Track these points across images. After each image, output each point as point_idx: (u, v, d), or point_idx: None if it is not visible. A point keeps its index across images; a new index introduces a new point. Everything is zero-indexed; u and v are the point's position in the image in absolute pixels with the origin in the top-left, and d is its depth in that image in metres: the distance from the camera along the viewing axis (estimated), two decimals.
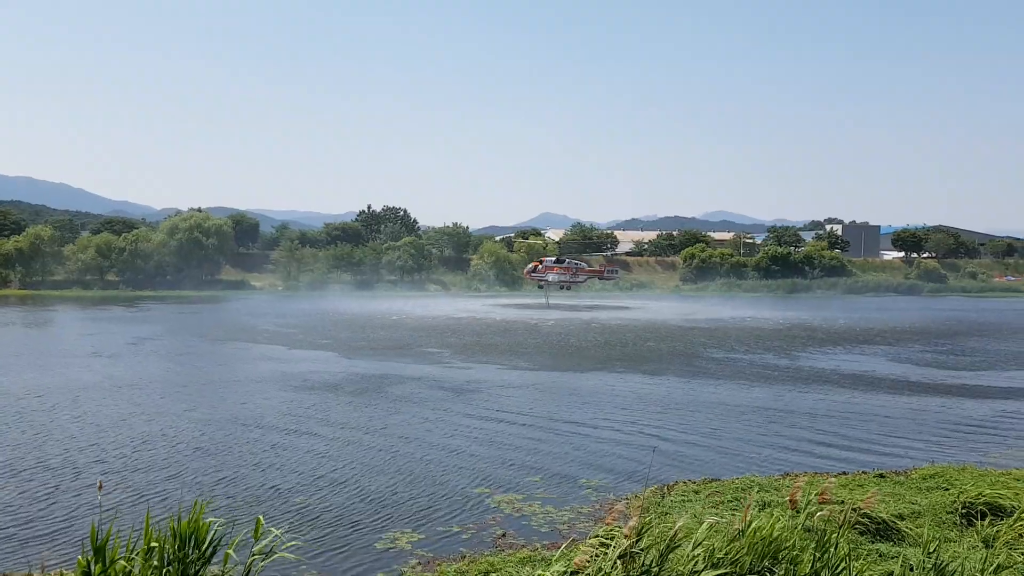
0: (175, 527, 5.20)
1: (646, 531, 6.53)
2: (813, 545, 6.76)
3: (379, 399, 24.86)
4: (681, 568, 6.20)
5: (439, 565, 10.74)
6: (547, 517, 13.29)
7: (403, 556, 11.50)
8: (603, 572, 6.18)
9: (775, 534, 6.53)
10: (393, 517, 13.34)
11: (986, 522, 11.79)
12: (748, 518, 6.92)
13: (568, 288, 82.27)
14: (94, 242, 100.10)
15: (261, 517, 5.79)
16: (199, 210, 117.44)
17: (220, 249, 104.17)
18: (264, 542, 5.47)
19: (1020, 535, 11.05)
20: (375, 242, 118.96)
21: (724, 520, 10.48)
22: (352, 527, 12.81)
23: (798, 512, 10.72)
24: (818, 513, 7.46)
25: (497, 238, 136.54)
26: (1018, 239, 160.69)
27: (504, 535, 12.35)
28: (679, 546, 6.48)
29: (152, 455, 17.31)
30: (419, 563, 11.12)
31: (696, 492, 14.00)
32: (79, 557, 5.42)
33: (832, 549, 7.01)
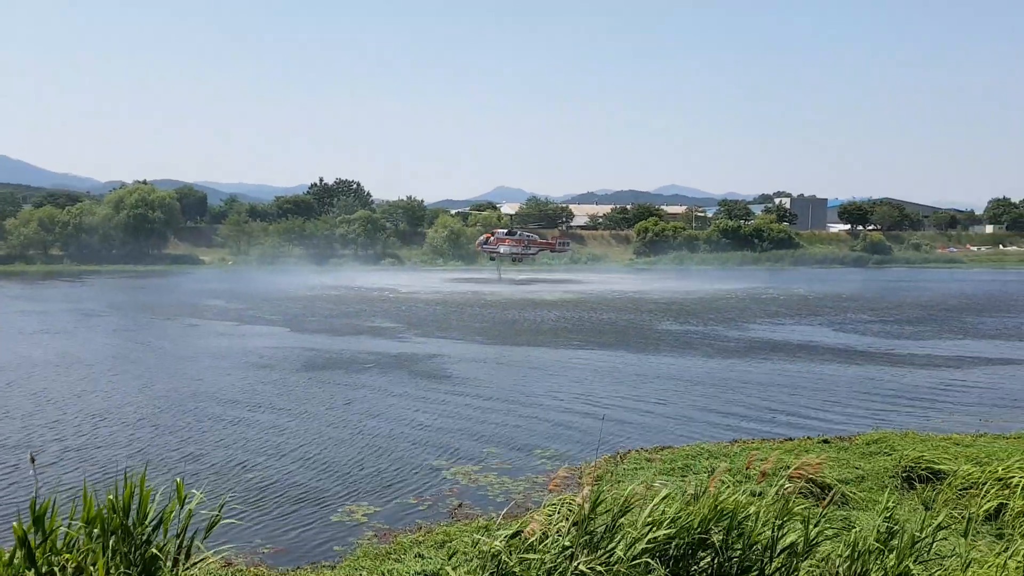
0: (113, 498, 5.08)
1: (600, 500, 6.65)
2: (774, 512, 6.91)
3: (333, 375, 24.75)
4: (633, 533, 6.32)
5: (395, 536, 10.79)
6: (503, 487, 13.42)
7: (359, 529, 11.53)
8: (557, 537, 6.30)
9: (728, 499, 6.66)
10: (349, 491, 13.34)
11: (926, 485, 12.23)
12: (713, 488, 7.06)
13: (520, 260, 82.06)
14: (36, 215, 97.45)
15: (180, 480, 5.58)
16: (144, 182, 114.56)
17: (167, 222, 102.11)
18: (189, 506, 5.32)
19: (958, 497, 11.49)
20: (328, 216, 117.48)
21: (677, 486, 10.66)
22: (308, 501, 12.79)
23: (745, 478, 10.98)
24: (780, 482, 7.62)
25: (452, 212, 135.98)
26: (960, 211, 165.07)
27: (460, 506, 12.45)
28: (631, 509, 6.61)
29: (112, 433, 17.06)
30: (375, 535, 11.15)
31: (648, 460, 14.24)
32: (14, 524, 5.25)
33: (791, 517, 7.19)
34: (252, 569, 9.44)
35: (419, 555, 9.57)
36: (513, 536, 6.47)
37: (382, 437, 16.93)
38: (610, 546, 6.12)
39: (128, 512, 4.96)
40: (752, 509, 6.91)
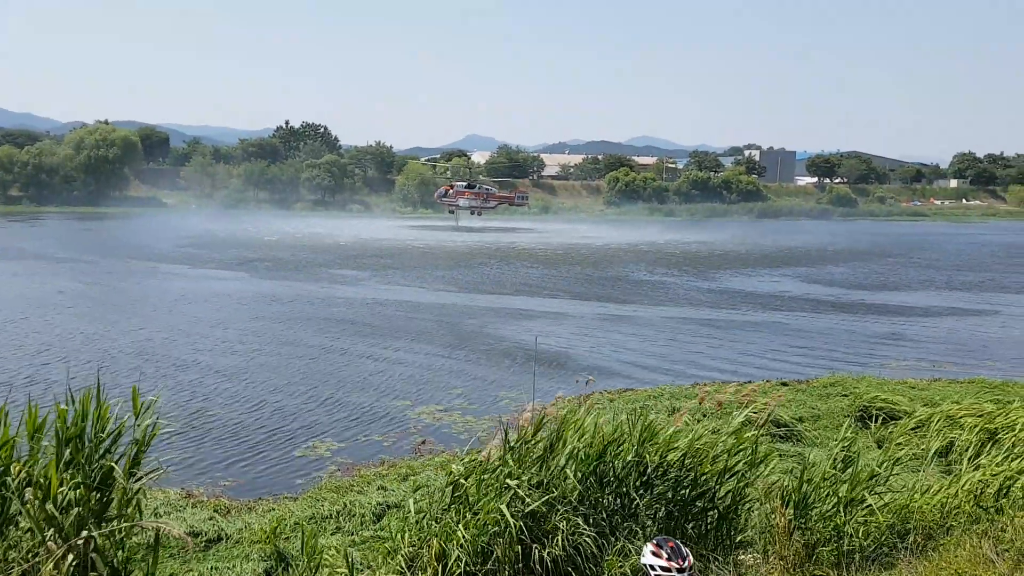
0: (63, 409, 4.92)
1: (542, 426, 6.82)
2: (723, 441, 7.03)
3: (299, 322, 24.69)
4: (562, 458, 6.51)
5: (359, 470, 10.85)
6: (466, 425, 13.55)
7: (322, 463, 11.60)
8: (498, 459, 6.49)
9: (673, 430, 6.78)
10: (314, 428, 13.39)
11: (880, 424, 12.51)
12: (680, 423, 7.21)
13: (479, 213, 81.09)
14: None
15: (135, 386, 5.32)
16: (106, 123, 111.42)
17: (127, 162, 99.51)
18: (148, 421, 5.14)
19: (911, 435, 11.78)
20: (294, 160, 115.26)
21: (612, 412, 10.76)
22: (273, 437, 12.82)
23: (702, 415, 11.18)
24: (733, 415, 7.76)
25: (422, 160, 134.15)
26: (926, 165, 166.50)
27: (424, 442, 12.55)
28: (565, 438, 6.76)
29: (115, 370, 17.26)
30: (338, 469, 11.21)
31: (611, 400, 14.41)
32: None
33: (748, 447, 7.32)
34: (212, 500, 9.45)
35: (382, 487, 9.64)
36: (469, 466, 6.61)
37: (346, 380, 16.97)
38: (545, 466, 6.36)
39: (82, 425, 4.88)
40: (682, 431, 7.06)
